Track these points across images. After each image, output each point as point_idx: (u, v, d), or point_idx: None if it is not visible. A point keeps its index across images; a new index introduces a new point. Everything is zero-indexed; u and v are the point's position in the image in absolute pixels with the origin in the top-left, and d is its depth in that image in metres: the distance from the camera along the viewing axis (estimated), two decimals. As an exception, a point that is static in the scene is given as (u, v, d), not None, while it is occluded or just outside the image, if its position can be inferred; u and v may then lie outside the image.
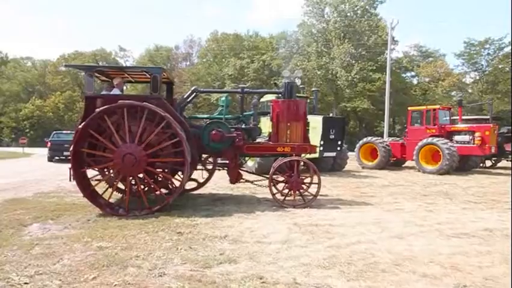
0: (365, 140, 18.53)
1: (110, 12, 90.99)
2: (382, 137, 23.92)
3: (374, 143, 17.75)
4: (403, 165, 18.82)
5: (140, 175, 7.01)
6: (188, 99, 8.39)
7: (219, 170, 8.50)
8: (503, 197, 9.53)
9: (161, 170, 7.36)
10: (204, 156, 8.42)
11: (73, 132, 7.52)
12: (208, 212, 6.85)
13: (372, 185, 11.43)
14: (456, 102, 32.25)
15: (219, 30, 55.13)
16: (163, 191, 7.53)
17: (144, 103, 6.62)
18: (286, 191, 7.76)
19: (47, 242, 4.83)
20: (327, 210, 7.23)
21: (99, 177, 7.52)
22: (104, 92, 7.85)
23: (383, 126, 39.08)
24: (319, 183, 7.57)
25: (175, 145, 6.81)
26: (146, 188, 7.52)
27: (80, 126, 6.57)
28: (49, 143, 20.56)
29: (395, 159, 17.85)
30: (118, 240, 4.99)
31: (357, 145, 18.51)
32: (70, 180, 6.69)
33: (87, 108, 6.87)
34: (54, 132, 23.89)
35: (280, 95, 8.28)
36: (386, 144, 17.47)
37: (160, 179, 7.86)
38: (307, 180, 7.83)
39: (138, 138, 6.60)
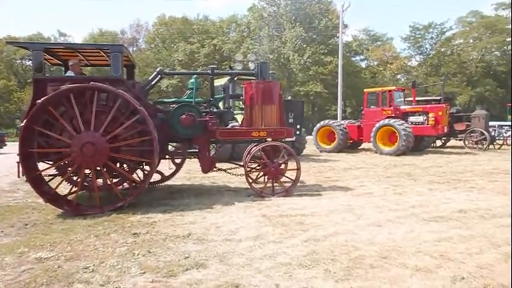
0: (322, 123, 18.39)
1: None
2: (335, 120, 23.99)
3: (331, 126, 17.65)
4: (359, 147, 18.95)
5: (98, 168, 6.20)
6: (153, 82, 7.58)
7: (190, 158, 7.83)
8: (461, 175, 9.62)
9: (121, 165, 6.68)
10: (172, 148, 7.76)
11: None
12: (166, 207, 6.15)
13: (335, 169, 11.20)
14: (406, 84, 33.25)
15: (166, 14, 53.01)
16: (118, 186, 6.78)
17: (119, 91, 5.84)
18: (262, 179, 7.34)
19: (-31, 257, 3.96)
20: (294, 198, 6.79)
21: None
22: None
23: (335, 110, 39.66)
24: (298, 173, 7.13)
25: (141, 136, 6.11)
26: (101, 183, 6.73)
27: (39, 101, 5.64)
28: None
29: (351, 141, 17.88)
30: (62, 248, 4.21)
31: (315, 129, 18.35)
32: (19, 176, 5.82)
33: (36, 93, 5.94)
34: None
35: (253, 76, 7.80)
36: (344, 127, 17.42)
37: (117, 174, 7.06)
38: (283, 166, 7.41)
39: (104, 128, 5.81)
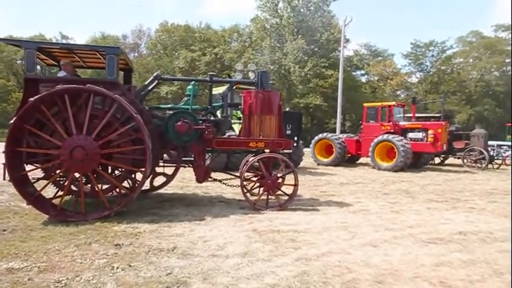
0: (320, 136, 18.17)
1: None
2: (334, 133, 23.79)
3: (329, 139, 17.43)
4: (357, 162, 18.72)
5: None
6: (150, 87, 7.37)
7: (184, 167, 7.59)
8: (460, 195, 9.40)
9: (112, 172, 6.54)
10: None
11: None
12: (154, 217, 5.89)
13: (331, 183, 10.96)
14: (406, 100, 33.20)
15: (168, 21, 53.13)
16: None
17: (116, 96, 5.64)
18: (256, 190, 7.17)
19: None
20: (288, 213, 6.53)
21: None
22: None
23: (334, 123, 39.46)
24: (295, 189, 6.87)
25: (135, 145, 5.93)
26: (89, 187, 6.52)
27: (32, 99, 5.43)
28: None
29: (349, 155, 17.65)
30: (37, 257, 3.96)
31: (313, 141, 18.12)
32: (4, 178, 5.54)
33: (28, 92, 5.71)
34: None
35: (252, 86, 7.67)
36: (342, 141, 17.21)
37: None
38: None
39: (96, 133, 5.60)
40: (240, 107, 7.70)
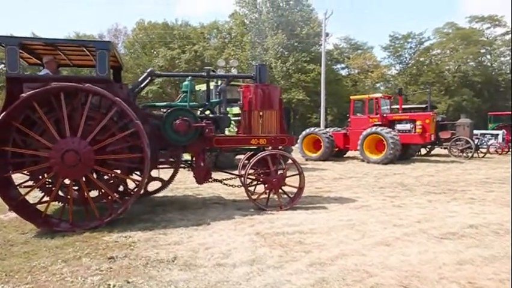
0: (307, 131, 17.92)
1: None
2: (318, 127, 23.54)
3: (317, 134, 17.19)
4: (345, 156, 18.56)
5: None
6: (143, 85, 6.90)
7: (184, 168, 7.18)
8: (456, 185, 9.29)
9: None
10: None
11: None
12: (147, 224, 5.48)
13: (324, 179, 10.71)
14: (386, 92, 33.34)
15: (145, 19, 51.96)
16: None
17: (117, 99, 5.22)
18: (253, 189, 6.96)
19: None
20: (288, 212, 6.22)
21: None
22: None
23: (316, 118, 39.34)
24: (300, 192, 6.60)
25: (132, 151, 5.56)
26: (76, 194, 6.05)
27: (24, 95, 4.99)
28: None
29: (337, 149, 17.47)
30: (20, 277, 3.53)
31: (300, 136, 17.84)
32: None
33: (10, 93, 5.23)
34: None
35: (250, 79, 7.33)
36: (330, 135, 17.00)
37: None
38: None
39: (92, 136, 5.17)
40: (239, 102, 7.33)
